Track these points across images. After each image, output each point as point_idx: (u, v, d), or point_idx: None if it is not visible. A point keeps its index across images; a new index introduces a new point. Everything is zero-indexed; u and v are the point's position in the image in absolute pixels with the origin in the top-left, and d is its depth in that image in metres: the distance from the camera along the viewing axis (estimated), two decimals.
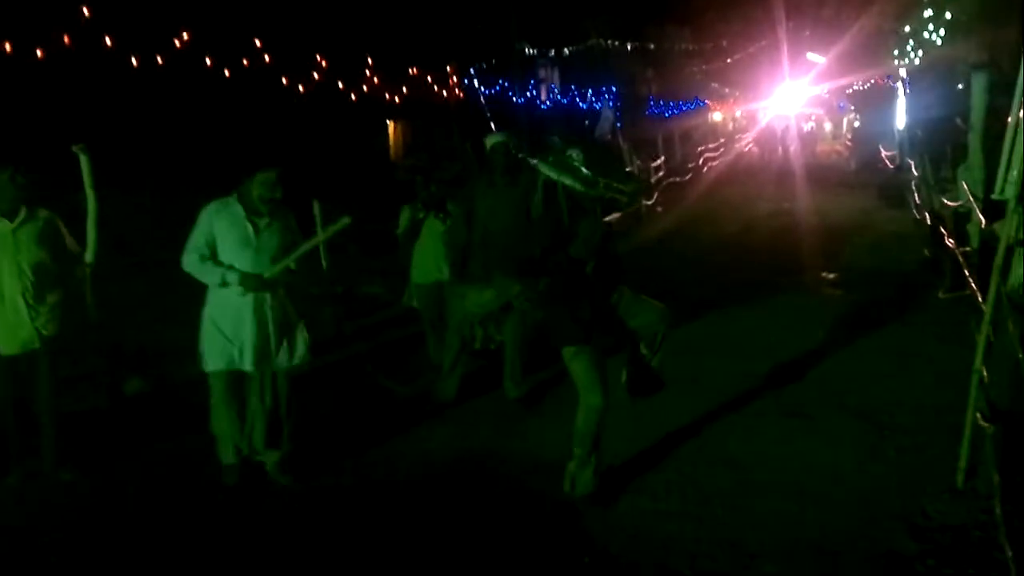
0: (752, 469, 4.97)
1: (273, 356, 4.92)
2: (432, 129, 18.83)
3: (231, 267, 4.78)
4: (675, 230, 15.59)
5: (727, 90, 40.11)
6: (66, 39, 9.34)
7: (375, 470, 5.20)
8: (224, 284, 4.78)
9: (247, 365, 4.87)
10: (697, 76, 35.42)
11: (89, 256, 8.96)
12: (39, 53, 9.27)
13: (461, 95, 19.47)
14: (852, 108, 36.54)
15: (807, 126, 42.23)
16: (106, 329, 6.92)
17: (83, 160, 8.05)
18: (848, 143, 35.17)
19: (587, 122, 24.10)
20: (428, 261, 6.78)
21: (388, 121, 21.70)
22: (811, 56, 33.29)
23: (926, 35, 15.08)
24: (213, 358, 4.88)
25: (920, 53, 16.45)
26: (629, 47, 29.36)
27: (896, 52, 19.09)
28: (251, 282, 4.77)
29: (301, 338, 5.04)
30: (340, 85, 14.43)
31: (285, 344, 4.95)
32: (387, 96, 16.18)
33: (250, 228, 4.81)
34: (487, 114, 20.66)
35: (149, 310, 9.46)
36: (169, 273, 11.33)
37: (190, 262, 4.81)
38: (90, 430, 5.92)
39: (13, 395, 5.03)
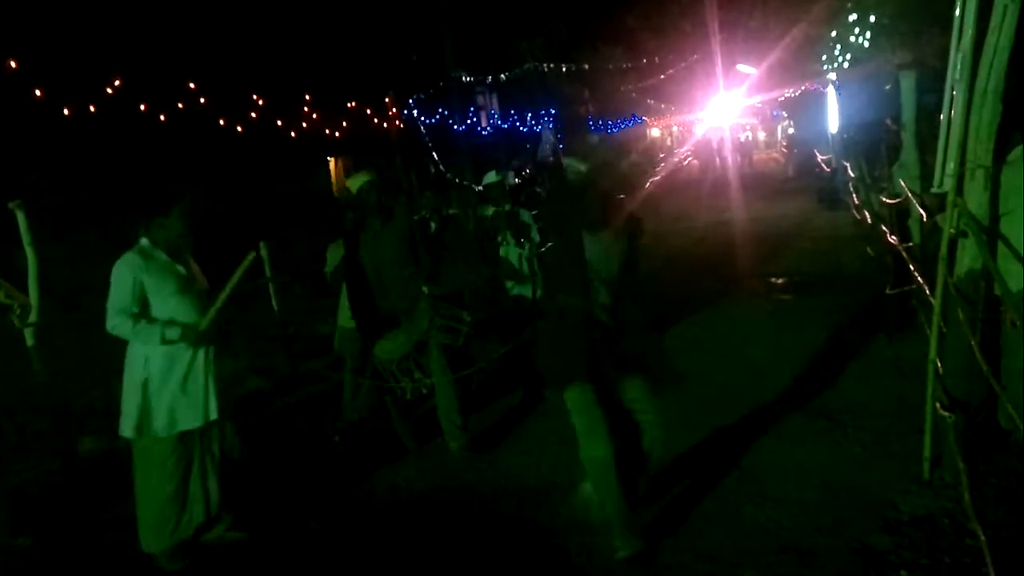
0: (719, 477, 4.98)
1: (220, 406, 4.58)
2: (373, 161, 18.74)
3: (170, 321, 4.41)
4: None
5: (663, 105, 40.74)
6: None
7: (346, 511, 5.10)
8: (165, 342, 4.40)
9: (199, 420, 4.49)
10: (633, 93, 35.92)
11: (33, 315, 8.75)
12: None
13: (401, 125, 19.46)
14: (786, 115, 37.36)
15: (743, 136, 43.05)
16: (55, 388, 6.73)
17: (20, 217, 7.85)
18: (784, 150, 35.90)
19: (528, 145, 24.29)
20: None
21: (328, 157, 21.59)
22: (742, 68, 33.98)
23: (852, 39, 15.51)
24: (160, 422, 4.42)
25: (848, 57, 16.92)
26: (564, 69, 29.69)
27: (824, 57, 19.59)
28: (194, 335, 4.40)
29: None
30: (279, 123, 14.32)
31: (219, 390, 4.61)
32: (327, 131, 16.11)
33: (182, 272, 4.49)
34: (428, 143, 20.71)
35: (99, 365, 9.23)
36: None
37: (118, 324, 4.37)
38: (45, 495, 5.74)
39: None
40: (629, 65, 34.79)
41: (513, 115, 25.49)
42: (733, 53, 32.65)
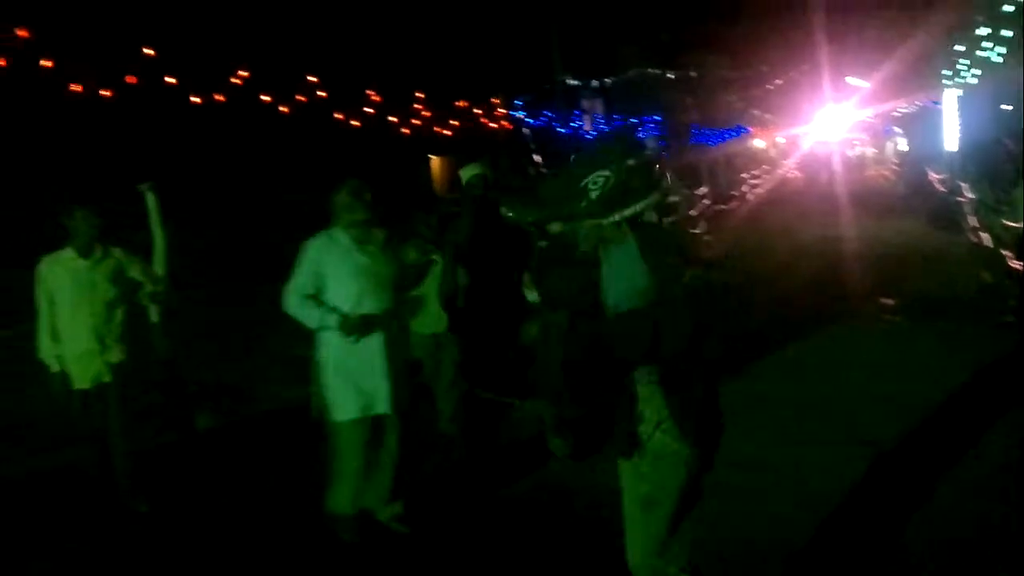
0: (824, 501, 4.89)
1: (393, 399, 4.47)
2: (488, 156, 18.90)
3: (334, 309, 4.39)
4: (723, 259, 15.51)
5: (769, 116, 39.99)
6: (132, 79, 9.66)
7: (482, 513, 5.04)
8: (321, 328, 4.43)
9: (369, 410, 4.45)
10: (738, 103, 35.39)
11: (159, 286, 9.20)
12: (108, 93, 9.60)
13: (508, 126, 19.66)
14: (898, 131, 36.20)
15: (853, 152, 41.90)
16: (175, 364, 7.08)
17: (150, 198, 8.28)
18: (895, 167, 34.82)
19: None
20: (430, 309, 5.68)
21: (431, 155, 21.94)
22: (852, 80, 33.11)
23: (981, 53, 14.91)
24: (336, 406, 4.45)
25: (975, 72, 16.26)
26: (671, 76, 29.46)
27: (946, 72, 18.90)
28: (351, 326, 4.30)
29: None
30: (391, 119, 14.71)
31: (404, 383, 4.56)
32: (436, 129, 16.44)
33: (362, 259, 4.43)
34: (531, 144, 20.84)
35: (213, 345, 9.65)
36: (230, 308, 11.62)
37: (291, 304, 4.47)
38: (164, 463, 6.01)
39: (90, 431, 5.16)
40: (736, 74, 34.30)
41: (617, 120, 25.46)
42: (843, 65, 31.84)
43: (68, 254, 5.07)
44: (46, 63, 9.07)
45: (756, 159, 37.60)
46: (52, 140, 12.21)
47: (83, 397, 5.09)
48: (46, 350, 5.07)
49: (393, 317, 4.53)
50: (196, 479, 5.87)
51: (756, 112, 38.41)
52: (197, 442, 6.71)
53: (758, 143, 40.46)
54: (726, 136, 32.14)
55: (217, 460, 6.37)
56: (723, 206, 23.32)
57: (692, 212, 20.97)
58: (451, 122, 16.94)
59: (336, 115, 13.13)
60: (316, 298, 4.42)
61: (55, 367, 5.07)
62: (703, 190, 23.02)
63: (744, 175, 31.75)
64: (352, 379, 4.39)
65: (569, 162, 3.20)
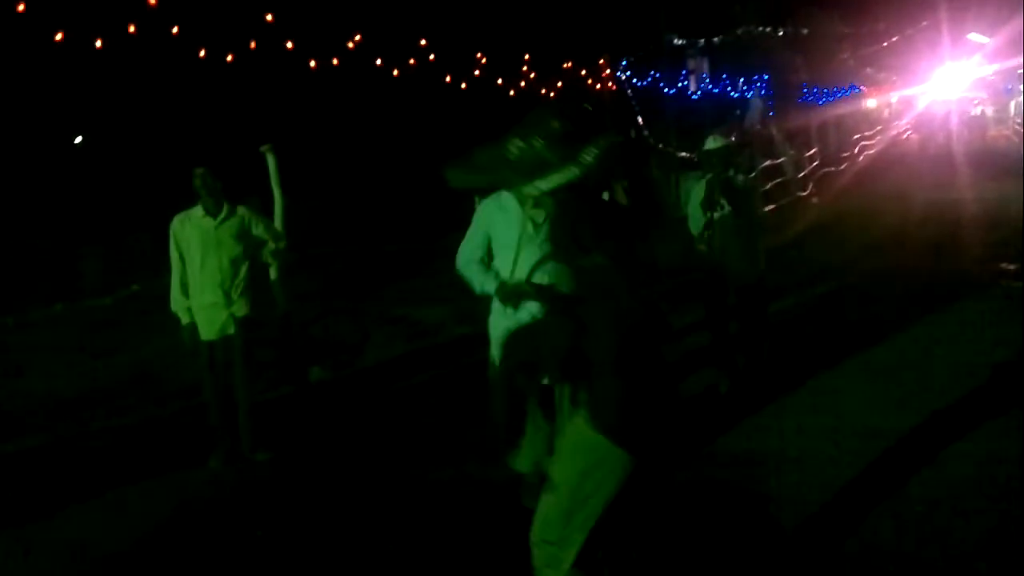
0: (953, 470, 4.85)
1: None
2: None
3: (496, 275, 4.15)
4: (832, 223, 15.19)
5: (883, 75, 38.43)
6: (252, 44, 10.04)
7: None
8: (479, 293, 4.25)
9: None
10: (851, 61, 34.13)
11: (281, 246, 9.60)
12: (229, 57, 10.01)
13: (614, 87, 19.53)
14: (1022, 89, 34.35)
15: (974, 111, 39.97)
16: (291, 319, 7.46)
17: (270, 160, 8.64)
18: (1018, 127, 33.09)
19: (738, 111, 23.71)
20: None
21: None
22: (974, 37, 31.51)
23: None
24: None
25: None
26: (780, 33, 28.59)
27: None
28: (507, 294, 3.79)
29: None
30: (499, 81, 14.82)
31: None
32: (543, 91, 16.48)
33: (526, 226, 3.90)
34: (635, 106, 20.65)
35: (327, 303, 10.08)
36: (343, 268, 12.04)
37: (459, 266, 4.31)
38: (280, 415, 6.33)
39: (214, 381, 5.45)
40: (849, 31, 33.04)
41: (724, 80, 24.93)
42: (965, 21, 30.31)
43: (197, 212, 5.37)
44: (174, 30, 9.50)
45: (869, 119, 36.29)
46: (181, 104, 12.81)
47: (209, 348, 5.40)
48: (177, 303, 5.39)
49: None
50: (311, 430, 6.16)
51: (869, 70, 36.97)
52: (311, 394, 7.07)
53: (871, 102, 39.01)
54: (837, 95, 31.11)
55: (329, 412, 6.69)
56: (833, 168, 22.70)
57: (800, 174, 20.53)
58: (557, 83, 16.99)
59: (445, 78, 13.35)
60: (484, 261, 4.25)
61: (185, 319, 5.38)
62: (812, 151, 22.42)
63: (856, 136, 30.72)
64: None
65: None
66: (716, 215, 6.05)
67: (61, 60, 10.38)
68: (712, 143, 6.19)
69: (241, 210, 5.45)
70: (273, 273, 9.74)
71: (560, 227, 2.77)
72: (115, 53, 9.43)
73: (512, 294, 3.72)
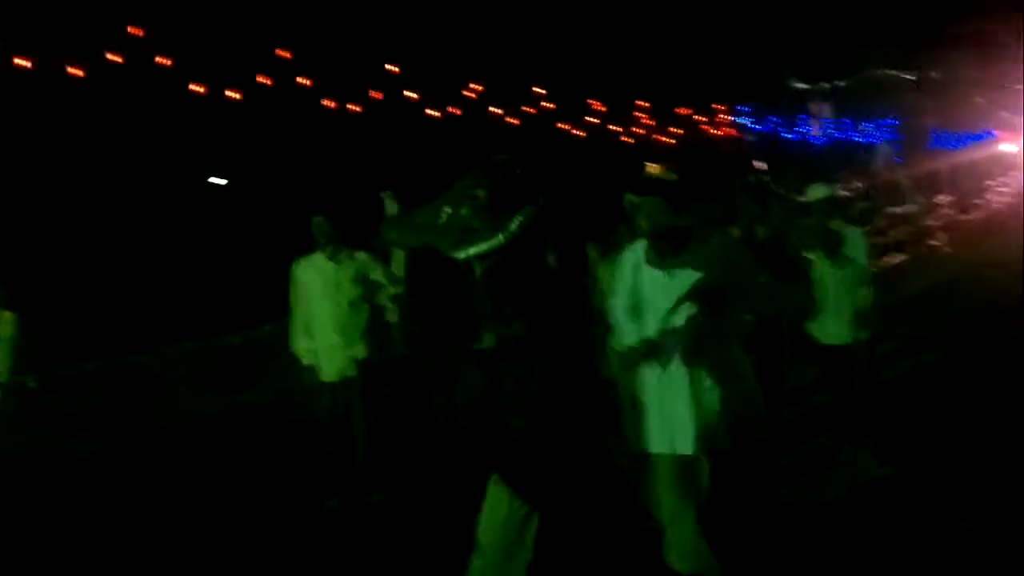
0: None
1: (697, 440, 3.49)
2: (697, 169, 18.68)
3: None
4: (968, 275, 14.42)
5: (1018, 119, 36.56)
6: (378, 95, 10.45)
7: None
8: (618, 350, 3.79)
9: (666, 447, 3.53)
10: (984, 105, 32.68)
11: (402, 290, 9.82)
12: (357, 108, 10.45)
13: (731, 133, 19.32)
14: None
15: None
16: (408, 360, 7.53)
17: (389, 206, 8.82)
18: None
19: (863, 156, 23.04)
20: None
21: (645, 163, 21.78)
22: None
23: None
24: (647, 434, 3.61)
25: None
26: (908, 77, 27.72)
27: None
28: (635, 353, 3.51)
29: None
30: (613, 128, 14.90)
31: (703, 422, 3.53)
32: (656, 137, 16.46)
33: (653, 275, 3.57)
34: (752, 152, 20.30)
35: (437, 343, 10.16)
36: (453, 309, 12.16)
37: (612, 315, 3.84)
38: (402, 454, 6.24)
39: (333, 422, 5.51)
40: (981, 74, 31.70)
41: (848, 124, 24.29)
42: None
43: (318, 257, 5.51)
44: (304, 81, 9.99)
45: (1003, 164, 34.56)
46: (309, 152, 13.37)
47: (330, 389, 5.47)
48: (299, 344, 5.53)
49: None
50: (431, 471, 6.03)
51: (1004, 114, 35.27)
52: (432, 435, 7.10)
53: (1006, 147, 37.12)
54: (969, 140, 29.78)
55: (450, 452, 6.68)
56: (965, 215, 21.73)
57: (930, 221, 19.69)
58: (672, 130, 16.91)
59: (560, 125, 13.51)
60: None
61: (306, 360, 5.51)
62: (942, 198, 21.56)
63: (989, 182, 29.36)
64: (651, 408, 3.63)
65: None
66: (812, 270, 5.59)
67: (203, 109, 11.03)
68: (814, 191, 5.75)
69: (360, 255, 5.56)
70: (393, 316, 10.01)
71: (484, 296, 2.75)
72: (253, 103, 9.98)
73: (640, 353, 3.66)
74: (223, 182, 15.81)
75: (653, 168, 3.95)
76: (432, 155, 14.48)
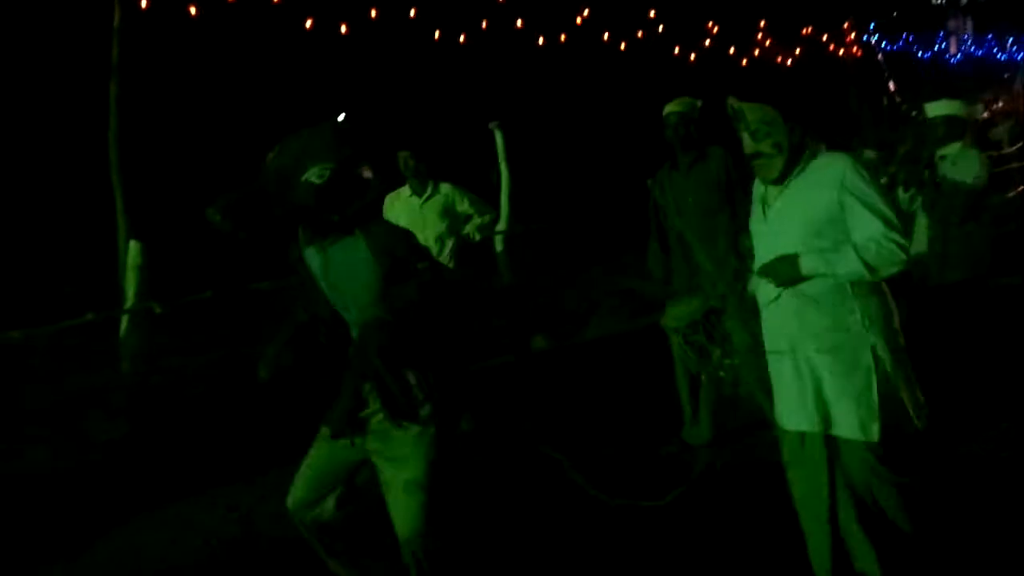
0: None
1: (848, 417, 3.02)
2: (825, 92, 17.94)
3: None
4: None
5: None
6: (483, 24, 10.36)
7: None
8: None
9: (800, 423, 3.10)
10: None
11: (502, 224, 9.90)
12: (462, 38, 10.40)
13: (859, 54, 18.25)
14: None
15: None
16: (517, 290, 7.62)
17: (498, 137, 8.80)
18: None
19: (1005, 75, 21.42)
20: None
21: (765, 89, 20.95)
22: None
23: None
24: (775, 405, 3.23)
25: None
26: None
27: None
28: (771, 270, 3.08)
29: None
30: (731, 51, 14.30)
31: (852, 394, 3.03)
32: (777, 60, 15.70)
33: (759, 207, 3.24)
34: (885, 72, 19.23)
35: (553, 275, 10.23)
36: (569, 241, 12.18)
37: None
38: (497, 383, 6.36)
39: None
40: None
41: (990, 42, 22.56)
42: None
43: (404, 191, 5.62)
44: (412, 12, 10.01)
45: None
46: (417, 83, 13.46)
47: None
48: None
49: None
50: (525, 400, 6.15)
51: None
52: (531, 363, 7.19)
53: None
54: None
55: (547, 381, 6.76)
56: None
57: None
58: (794, 51, 16.08)
59: (674, 50, 13.07)
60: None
61: None
62: None
63: None
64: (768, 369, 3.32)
65: (277, 154, 2.85)
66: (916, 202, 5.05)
67: (314, 46, 11.21)
68: (937, 108, 5.11)
69: (445, 188, 5.61)
70: (498, 245, 10.10)
71: (383, 250, 2.90)
72: (360, 38, 10.09)
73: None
74: (341, 117, 16.12)
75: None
76: (541, 85, 14.38)
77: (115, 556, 4.22)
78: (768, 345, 3.21)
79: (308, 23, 9.18)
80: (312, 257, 2.94)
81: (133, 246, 7.30)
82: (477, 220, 5.75)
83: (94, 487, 4.98)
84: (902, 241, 2.87)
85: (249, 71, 11.74)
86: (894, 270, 2.90)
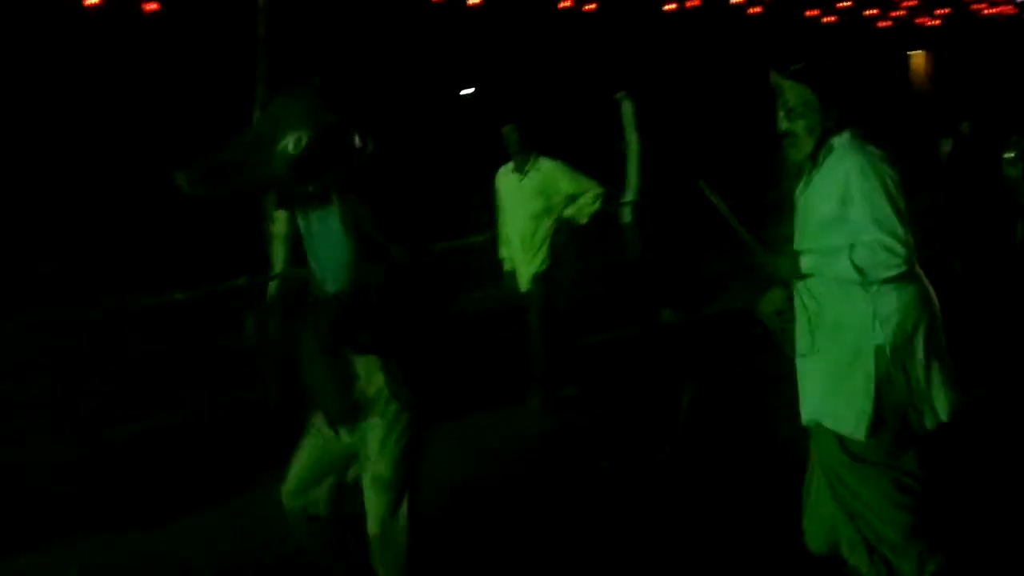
0: None
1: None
2: (970, 58, 16.87)
3: None
4: None
5: None
6: None
7: None
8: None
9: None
10: None
11: (631, 194, 9.86)
12: (592, 7, 10.37)
13: (1011, 11, 17.07)
14: None
15: None
16: (645, 262, 7.56)
17: (626, 106, 8.80)
18: None
19: None
20: None
21: (909, 51, 19.95)
22: None
23: None
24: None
25: None
26: None
27: None
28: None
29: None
30: (866, 13, 13.66)
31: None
32: (916, 20, 14.89)
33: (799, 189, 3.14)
34: None
35: (683, 246, 10.12)
36: (697, 212, 12.00)
37: None
38: (622, 354, 6.40)
39: (539, 328, 5.51)
40: None
41: None
42: None
43: (509, 167, 5.46)
44: None
45: None
46: (542, 53, 13.49)
47: (526, 298, 5.54)
48: (501, 251, 5.66)
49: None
50: (648, 373, 6.02)
51: None
52: (657, 335, 7.16)
53: None
54: None
55: (670, 354, 6.70)
56: None
57: None
58: (937, 11, 15.19)
59: (808, 12, 12.59)
60: None
61: (506, 267, 5.62)
62: None
63: None
64: None
65: (258, 120, 2.77)
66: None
67: (442, 20, 11.40)
68: None
69: (546, 165, 5.36)
70: (625, 216, 10.03)
71: (355, 224, 2.77)
72: (492, 9, 10.18)
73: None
74: (470, 91, 16.33)
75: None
76: (669, 51, 14.16)
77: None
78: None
79: None
80: (300, 221, 2.87)
81: (279, 215, 7.68)
82: (580, 201, 5.43)
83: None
84: (896, 246, 2.73)
85: (380, 46, 12.03)
86: (887, 274, 2.78)
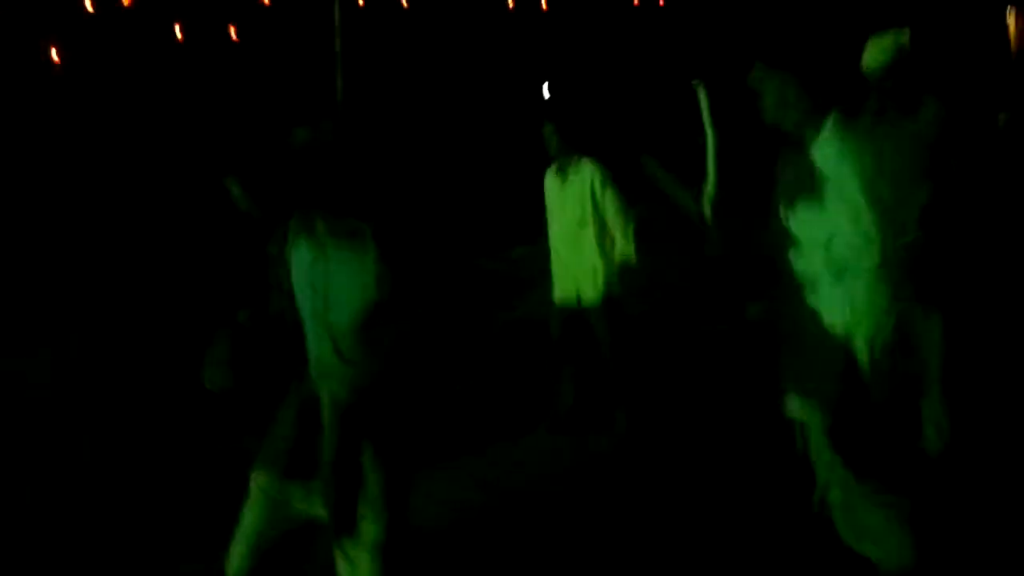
0: None
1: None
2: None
3: None
4: None
5: None
6: None
7: None
8: None
9: None
10: None
11: (710, 188, 9.74)
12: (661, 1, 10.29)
13: None
14: None
15: None
16: (727, 259, 7.44)
17: (701, 96, 8.68)
18: None
19: None
20: None
21: (1008, 7, 18.98)
22: None
23: None
24: None
25: None
26: None
27: None
28: None
29: None
30: None
31: None
32: None
33: None
34: None
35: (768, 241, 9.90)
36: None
37: None
38: (713, 350, 6.25)
39: (563, 339, 5.21)
40: None
41: None
42: None
43: (552, 168, 5.03)
44: None
45: None
46: (615, 46, 13.35)
47: (561, 309, 5.05)
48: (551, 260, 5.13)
49: None
50: (738, 366, 5.81)
51: None
52: (745, 332, 7.02)
53: None
54: None
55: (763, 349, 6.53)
56: None
57: None
58: None
59: None
60: None
61: (555, 279, 5.08)
62: None
63: None
64: None
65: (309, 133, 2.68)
66: None
67: (517, 22, 11.42)
68: None
69: (586, 168, 4.87)
70: (706, 209, 9.92)
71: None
72: (562, 8, 10.19)
73: None
74: (544, 86, 16.29)
75: None
76: (745, 42, 13.86)
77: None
78: None
79: (510, 2, 9.39)
80: (302, 251, 2.76)
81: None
82: (615, 235, 4.90)
83: None
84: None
85: (454, 52, 12.12)
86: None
